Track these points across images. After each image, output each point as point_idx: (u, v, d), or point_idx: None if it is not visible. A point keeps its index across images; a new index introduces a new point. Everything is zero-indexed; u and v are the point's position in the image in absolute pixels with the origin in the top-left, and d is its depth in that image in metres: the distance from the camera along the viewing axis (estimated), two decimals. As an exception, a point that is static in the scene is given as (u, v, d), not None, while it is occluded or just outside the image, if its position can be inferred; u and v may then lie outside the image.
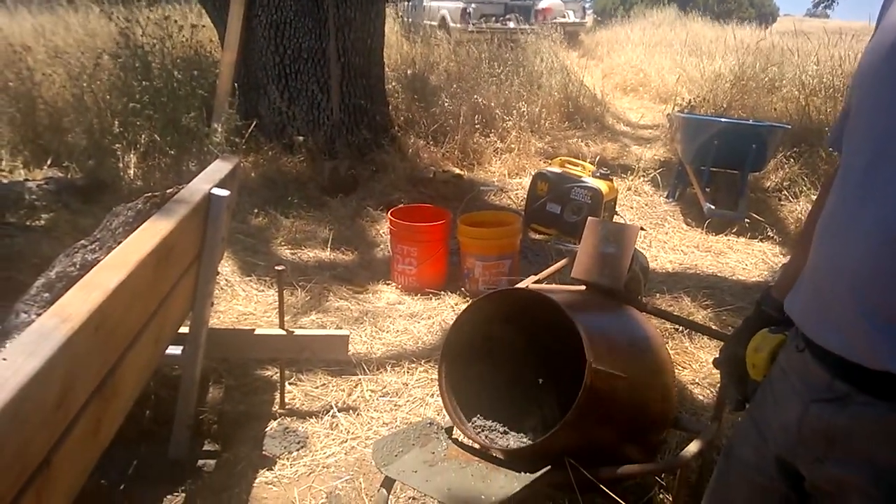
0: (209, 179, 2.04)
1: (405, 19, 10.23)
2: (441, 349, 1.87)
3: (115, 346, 1.40)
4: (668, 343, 2.84)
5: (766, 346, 1.11)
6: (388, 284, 3.55)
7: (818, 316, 0.94)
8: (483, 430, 1.86)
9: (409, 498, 2.03)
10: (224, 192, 2.00)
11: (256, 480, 2.11)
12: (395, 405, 2.52)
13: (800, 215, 4.59)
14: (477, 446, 1.79)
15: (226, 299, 3.18)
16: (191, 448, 2.18)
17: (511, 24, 12.97)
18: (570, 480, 1.59)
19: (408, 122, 5.85)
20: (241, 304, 3.16)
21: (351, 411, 2.47)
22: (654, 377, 1.85)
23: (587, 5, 22.36)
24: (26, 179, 4.24)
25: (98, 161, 4.41)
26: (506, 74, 6.90)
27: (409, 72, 6.77)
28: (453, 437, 1.83)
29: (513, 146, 5.84)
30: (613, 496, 1.63)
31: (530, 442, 1.82)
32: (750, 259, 4.10)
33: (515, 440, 1.86)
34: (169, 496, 2.02)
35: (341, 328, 2.97)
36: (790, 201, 4.89)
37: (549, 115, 6.83)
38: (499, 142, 5.88)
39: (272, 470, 2.15)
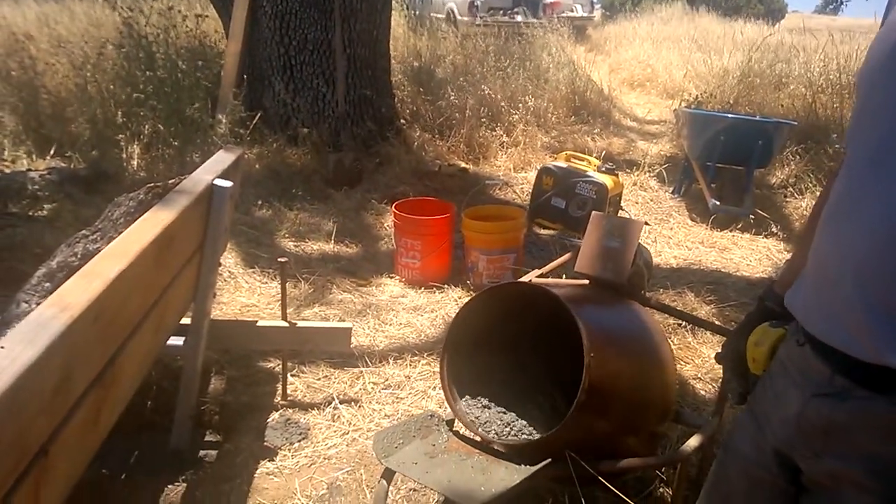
0: (212, 170, 2.03)
1: (412, 12, 10.20)
2: (443, 342, 1.86)
3: (114, 336, 1.40)
4: (670, 338, 2.83)
5: (767, 341, 1.10)
6: (391, 278, 3.54)
7: (819, 310, 0.93)
8: (481, 420, 1.85)
9: (410, 490, 2.03)
10: (227, 184, 1.99)
11: (258, 471, 2.11)
12: (397, 398, 2.52)
13: (805, 212, 4.57)
14: (478, 440, 1.79)
15: (229, 291, 3.18)
16: (192, 438, 2.19)
17: (519, 18, 12.91)
18: (570, 474, 1.59)
19: (413, 114, 5.83)
20: (245, 295, 3.16)
21: (353, 403, 2.47)
22: (656, 372, 1.84)
23: (596, 0, 22.27)
24: (29, 169, 4.24)
25: (101, 151, 4.42)
26: (512, 68, 6.88)
27: (415, 64, 6.75)
28: (454, 429, 1.83)
29: (519, 140, 5.83)
30: (613, 489, 1.62)
31: (531, 435, 1.82)
32: (754, 255, 4.08)
33: (517, 432, 1.86)
34: (170, 486, 2.02)
35: (344, 321, 2.97)
36: (795, 198, 4.87)
37: (556, 110, 6.80)
38: (505, 136, 5.86)
39: (273, 461, 2.16)
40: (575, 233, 4.02)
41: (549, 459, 1.58)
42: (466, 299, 1.96)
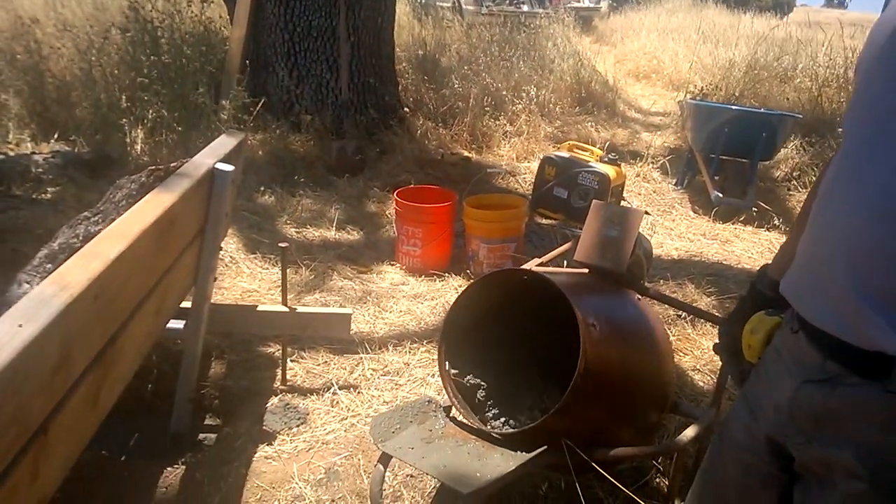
0: (213, 154, 2.03)
1: (418, 0, 10.16)
2: (441, 329, 1.87)
3: (114, 316, 1.41)
4: (670, 329, 2.84)
5: (762, 328, 1.11)
6: (392, 265, 3.55)
7: (812, 294, 0.93)
8: (480, 409, 1.87)
9: (408, 475, 2.04)
10: (228, 168, 2.00)
11: (256, 455, 2.12)
12: (396, 384, 2.53)
13: (809, 206, 4.56)
14: (475, 426, 1.80)
15: (230, 276, 3.19)
16: (192, 422, 2.20)
17: (525, 8, 12.87)
18: (565, 461, 1.60)
19: (417, 103, 5.82)
20: (246, 280, 3.17)
21: (352, 389, 2.48)
22: (653, 361, 1.85)
23: (602, -10, 22.15)
24: (33, 152, 4.25)
25: (105, 136, 4.42)
26: (517, 58, 6.85)
27: (419, 53, 6.73)
28: (451, 415, 1.84)
29: (522, 130, 5.81)
30: (609, 478, 1.63)
31: (528, 422, 1.83)
32: (756, 248, 4.07)
33: (513, 420, 1.87)
34: (169, 469, 2.04)
35: (344, 307, 2.98)
36: (799, 191, 4.86)
37: (560, 100, 6.78)
38: (508, 125, 5.85)
39: (272, 445, 2.17)
40: (576, 223, 4.01)
41: (545, 447, 1.59)
42: (467, 286, 1.96)
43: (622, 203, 4.39)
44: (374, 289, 3.26)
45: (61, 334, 1.10)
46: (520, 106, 6.03)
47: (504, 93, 6.10)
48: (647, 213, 4.36)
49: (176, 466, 2.05)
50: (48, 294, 1.11)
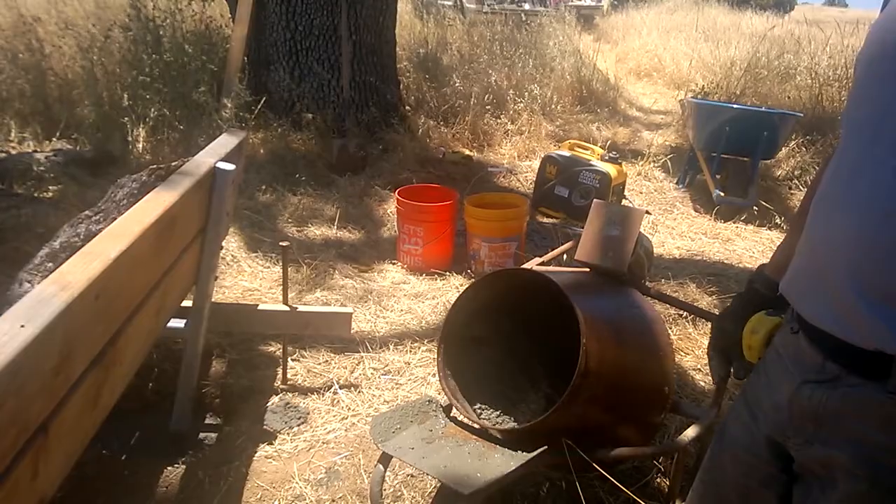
0: (214, 153, 2.03)
1: (419, -1, 10.16)
2: (441, 328, 1.87)
3: (115, 316, 1.41)
4: (671, 328, 2.83)
5: (763, 329, 1.11)
6: (393, 264, 3.55)
7: (812, 293, 0.93)
8: (480, 408, 1.87)
9: (408, 475, 2.04)
10: (229, 167, 2.00)
11: (256, 454, 2.12)
12: (397, 384, 2.53)
13: (810, 205, 4.55)
14: (475, 426, 1.80)
15: (231, 274, 3.19)
16: (192, 421, 2.20)
17: (526, 6, 12.87)
18: (566, 461, 1.59)
19: (418, 101, 5.82)
20: (247, 279, 3.17)
21: (352, 388, 2.48)
22: (653, 361, 1.85)
23: (603, -12, 22.14)
24: (35, 151, 4.25)
25: (107, 134, 4.42)
26: (518, 56, 6.85)
27: (421, 51, 6.72)
28: (451, 415, 1.84)
29: (523, 129, 5.81)
30: (609, 478, 1.63)
31: (528, 422, 1.83)
32: (758, 247, 4.07)
33: (513, 420, 1.87)
34: (170, 468, 2.04)
35: (345, 306, 2.98)
36: (800, 190, 4.86)
37: (561, 99, 6.77)
38: (509, 124, 5.85)
39: (272, 444, 2.17)
40: (578, 221, 4.02)
41: (546, 447, 1.59)
42: (467, 286, 1.96)
43: (623, 202, 4.39)
44: (375, 287, 3.26)
45: (62, 334, 1.10)
46: (521, 104, 6.02)
47: (505, 91, 6.09)
48: (647, 212, 4.36)
49: (176, 465, 2.05)
50: (49, 294, 1.11)
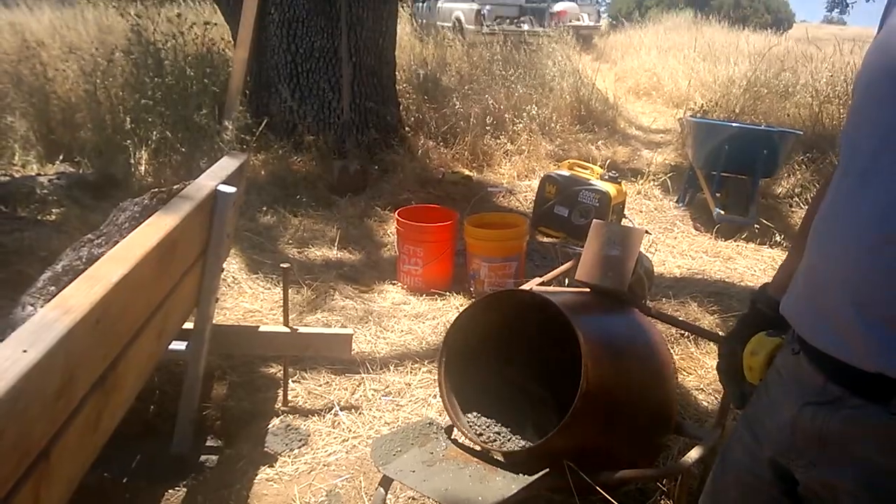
0: (215, 176, 2.05)
1: (419, 20, 10.26)
2: (441, 348, 1.87)
3: (116, 340, 1.41)
4: (673, 348, 2.83)
5: (763, 350, 1.11)
6: (394, 284, 3.55)
7: (813, 315, 0.93)
8: (482, 431, 1.86)
9: (409, 498, 2.03)
10: (230, 189, 2.01)
11: (257, 477, 2.11)
12: (398, 405, 2.53)
13: (810, 222, 4.55)
14: (477, 448, 1.79)
15: (232, 296, 3.19)
16: (193, 444, 2.20)
17: (525, 27, 12.99)
18: (568, 484, 1.59)
19: (418, 122, 5.85)
20: (248, 301, 3.17)
21: (353, 410, 2.48)
22: (656, 382, 1.84)
23: (602, 9, 22.38)
24: (38, 174, 4.28)
25: (109, 157, 4.45)
26: (518, 77, 6.90)
27: (420, 72, 6.78)
28: (453, 437, 1.83)
29: (523, 148, 5.84)
30: (612, 501, 1.62)
31: (529, 444, 1.82)
32: (759, 265, 4.07)
33: (515, 442, 1.86)
34: (171, 491, 2.03)
35: (346, 327, 2.98)
36: (801, 208, 4.86)
37: (561, 118, 6.81)
38: (509, 144, 5.88)
39: (273, 467, 2.16)
40: (578, 241, 4.02)
41: (547, 469, 1.58)
42: (468, 306, 1.96)
43: (623, 221, 4.40)
44: (376, 308, 3.26)
45: (64, 359, 1.11)
46: (520, 125, 6.06)
47: (505, 112, 6.13)
48: (647, 232, 4.36)
49: (177, 489, 2.04)
50: (51, 318, 1.12)
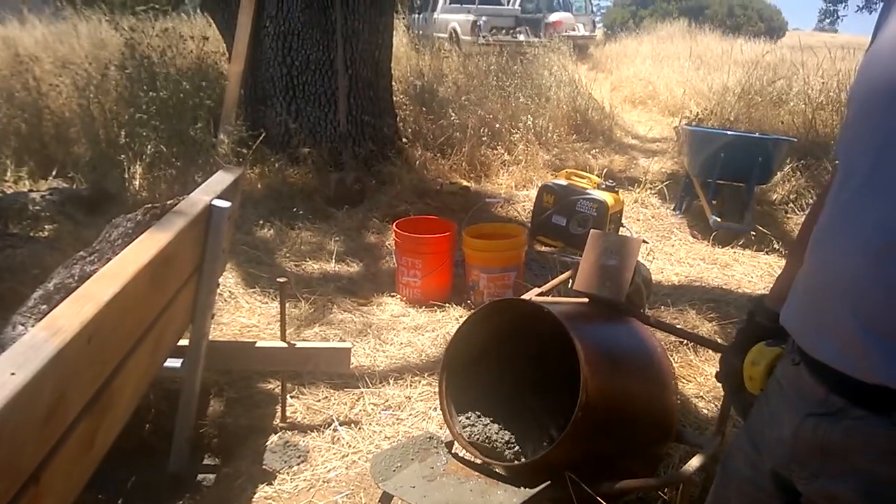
0: (210, 191, 2.03)
1: (415, 32, 10.28)
2: (441, 361, 1.85)
3: (109, 359, 1.39)
4: (672, 356, 2.81)
5: (763, 360, 1.10)
6: (392, 297, 3.53)
7: (813, 327, 0.92)
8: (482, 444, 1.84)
9: (409, 513, 2.01)
10: (225, 204, 1.99)
11: (256, 495, 2.09)
12: (398, 419, 2.50)
13: (807, 228, 4.56)
14: (477, 461, 1.77)
15: (229, 311, 3.17)
16: (191, 462, 2.17)
17: (521, 38, 13.04)
18: (570, 496, 1.57)
19: (415, 133, 5.85)
20: (245, 315, 3.15)
21: (353, 425, 2.45)
22: (656, 391, 1.83)
23: (597, 19, 22.50)
24: (31, 190, 4.26)
25: (103, 172, 4.44)
26: (514, 87, 6.91)
27: (417, 84, 6.79)
28: (453, 451, 1.81)
29: (520, 158, 5.84)
30: (615, 514, 1.60)
31: (532, 455, 1.80)
32: (756, 272, 4.06)
33: (516, 454, 1.84)
34: (167, 510, 2.00)
35: (344, 341, 2.96)
36: (796, 214, 4.86)
37: (557, 128, 6.82)
38: (506, 154, 5.88)
39: (272, 484, 2.13)
40: (576, 250, 4.01)
41: (549, 482, 1.56)
42: (466, 317, 1.95)
43: (621, 229, 4.39)
44: (375, 321, 3.24)
45: (54, 380, 1.09)
46: (517, 135, 6.06)
47: (501, 122, 6.13)
48: (644, 241, 4.36)
49: (174, 508, 2.01)
50: (40, 339, 1.10)
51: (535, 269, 3.81)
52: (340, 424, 2.44)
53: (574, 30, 15.15)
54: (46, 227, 3.77)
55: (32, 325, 1.67)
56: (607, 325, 1.92)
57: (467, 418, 1.83)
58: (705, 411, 2.54)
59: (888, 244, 0.81)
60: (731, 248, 4.39)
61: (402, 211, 4.44)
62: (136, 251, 1.52)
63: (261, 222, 4.23)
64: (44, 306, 1.73)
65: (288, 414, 2.47)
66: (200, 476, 2.16)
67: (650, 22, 20.84)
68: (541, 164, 5.94)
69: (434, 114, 6.15)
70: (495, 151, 5.84)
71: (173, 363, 2.08)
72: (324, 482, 2.15)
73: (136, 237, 1.67)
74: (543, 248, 4.24)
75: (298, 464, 2.24)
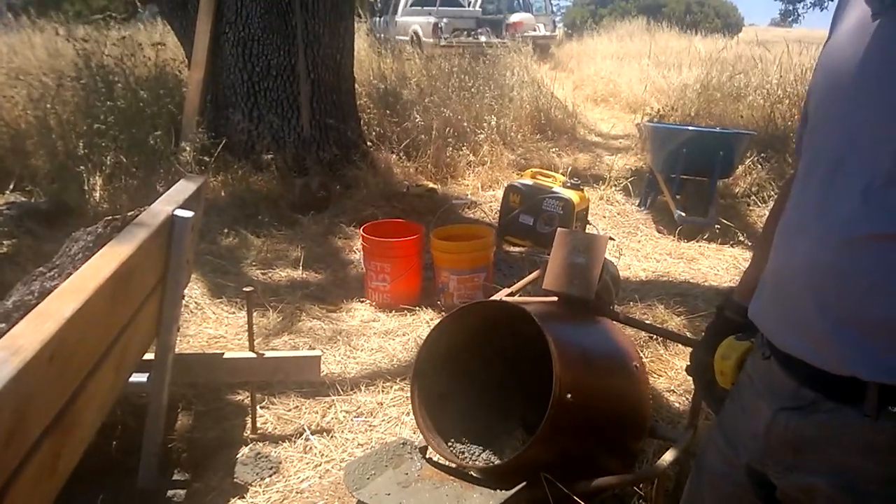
0: (172, 201, 2.00)
1: (376, 35, 10.25)
2: (413, 365, 1.84)
3: (72, 376, 1.35)
4: (642, 351, 2.83)
5: (734, 354, 1.11)
6: (362, 302, 3.51)
7: (782, 321, 0.93)
8: (458, 448, 1.83)
9: (386, 520, 1.99)
10: (187, 214, 1.96)
11: (228, 509, 2.05)
12: (370, 425, 2.48)
13: (769, 220, 4.64)
14: (452, 465, 1.76)
15: (196, 322, 3.12)
16: (160, 478, 2.12)
17: (482, 39, 13.07)
18: (546, 496, 1.57)
19: (380, 137, 5.83)
20: (212, 326, 3.10)
21: (325, 433, 2.42)
22: (628, 386, 1.84)
23: (557, 19, 22.68)
24: (-13, 205, 4.15)
25: (62, 184, 4.34)
26: (477, 88, 6.92)
27: (380, 87, 6.76)
28: (427, 456, 1.80)
29: (485, 159, 5.85)
30: (591, 511, 1.61)
31: (506, 457, 1.80)
32: (721, 264, 4.12)
33: (491, 456, 1.84)
34: (137, 528, 1.96)
35: (314, 348, 2.93)
36: (759, 206, 4.95)
37: (521, 128, 6.85)
38: (471, 155, 5.88)
39: (244, 498, 2.10)
40: (544, 249, 4.03)
41: (524, 483, 1.56)
42: (438, 321, 1.94)
43: (588, 227, 4.43)
44: (344, 327, 3.21)
45: (13, 402, 1.05)
46: (482, 135, 6.07)
47: (466, 123, 6.14)
48: (611, 238, 4.40)
49: (145, 526, 1.97)
50: (-2, 360, 1.06)
51: (504, 270, 3.82)
52: (312, 433, 2.41)
53: (535, 30, 15.24)
54: (4, 242, 3.67)
55: (-10, 345, 1.62)
56: (578, 323, 1.93)
57: (439, 428, 1.82)
58: (677, 405, 2.57)
59: (853, 237, 0.82)
60: (697, 241, 4.46)
61: (368, 215, 4.41)
62: (97, 265, 1.49)
63: (225, 231, 4.17)
64: (2, 325, 1.68)
65: (258, 425, 2.43)
66: (170, 492, 2.11)
67: (609, 21, 21.08)
68: (506, 164, 5.96)
69: (398, 116, 6.13)
70: (460, 153, 5.84)
71: (139, 378, 2.04)
72: (297, 493, 2.12)
73: (97, 251, 1.64)
74: (512, 249, 4.26)
75: (270, 475, 2.20)
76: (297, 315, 3.26)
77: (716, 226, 4.53)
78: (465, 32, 13.67)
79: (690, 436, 1.86)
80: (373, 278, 3.43)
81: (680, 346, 2.87)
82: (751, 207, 5.03)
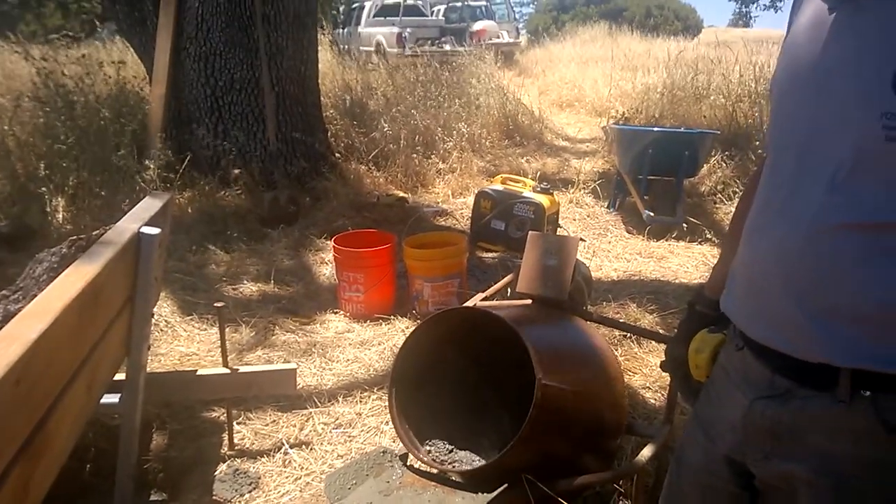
0: (138, 218, 1.96)
1: (340, 46, 10.24)
2: (390, 375, 1.83)
3: (40, 400, 1.32)
4: (616, 349, 2.86)
5: (707, 347, 1.12)
6: (335, 313, 3.48)
7: (753, 312, 0.94)
8: (438, 454, 1.82)
9: (368, 531, 1.97)
10: (154, 231, 1.93)
11: (207, 528, 2.02)
12: (349, 436, 2.46)
13: (735, 216, 4.72)
14: (433, 471, 1.75)
15: (167, 341, 3.07)
16: (136, 500, 2.08)
17: (447, 47, 13.14)
18: (528, 497, 1.57)
19: (348, 148, 5.81)
20: (183, 344, 3.05)
21: (303, 446, 2.40)
22: (605, 385, 1.85)
23: (520, 25, 22.90)
24: (-54, 230, 4.04)
25: (23, 207, 4.24)
26: (444, 96, 6.95)
27: (346, 98, 6.75)
28: (408, 463, 1.79)
29: (455, 166, 5.87)
30: (573, 510, 1.61)
31: (487, 461, 1.79)
32: (691, 262, 4.18)
33: (473, 460, 1.83)
34: (114, 553, 1.91)
35: (289, 362, 2.90)
36: (725, 203, 5.03)
37: (489, 135, 6.89)
38: (441, 163, 5.89)
39: (223, 515, 2.07)
40: (517, 253, 4.05)
41: (506, 485, 1.56)
42: (413, 328, 1.93)
43: (559, 230, 4.46)
44: (319, 339, 3.18)
45: (-21, 428, 1.02)
46: (451, 143, 6.09)
47: (434, 131, 6.15)
48: (582, 239, 4.43)
49: (121, 550, 1.92)
50: (-39, 386, 1.03)
51: (477, 275, 3.82)
52: (291, 447, 2.38)
53: (499, 37, 15.37)
54: (-35, 268, 3.58)
55: (-47, 372, 1.57)
56: (553, 324, 1.94)
57: (419, 435, 1.81)
58: (653, 401, 2.59)
59: (823, 226, 0.84)
60: (666, 240, 4.52)
61: (339, 226, 4.39)
62: (62, 285, 1.46)
63: (194, 248, 4.12)
64: (-35, 351, 1.64)
65: (236, 441, 2.40)
66: (148, 514, 2.07)
67: (572, 26, 21.33)
68: (476, 171, 5.99)
69: (366, 127, 6.13)
70: (430, 161, 5.85)
71: (111, 399, 1.99)
72: (278, 508, 2.10)
73: (62, 271, 1.60)
74: (485, 254, 4.27)
75: (250, 491, 2.17)
76: (270, 329, 3.22)
77: (683, 224, 4.59)
78: (429, 41, 13.73)
79: (667, 431, 1.88)
80: (346, 289, 3.42)
81: (654, 343, 2.90)
82: (717, 205, 5.11)
